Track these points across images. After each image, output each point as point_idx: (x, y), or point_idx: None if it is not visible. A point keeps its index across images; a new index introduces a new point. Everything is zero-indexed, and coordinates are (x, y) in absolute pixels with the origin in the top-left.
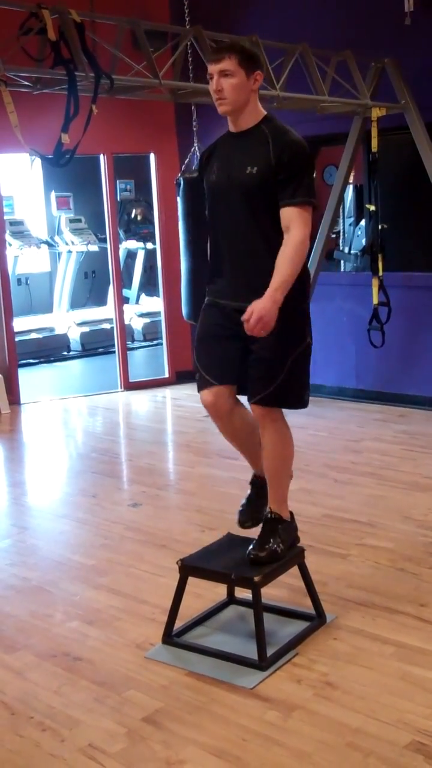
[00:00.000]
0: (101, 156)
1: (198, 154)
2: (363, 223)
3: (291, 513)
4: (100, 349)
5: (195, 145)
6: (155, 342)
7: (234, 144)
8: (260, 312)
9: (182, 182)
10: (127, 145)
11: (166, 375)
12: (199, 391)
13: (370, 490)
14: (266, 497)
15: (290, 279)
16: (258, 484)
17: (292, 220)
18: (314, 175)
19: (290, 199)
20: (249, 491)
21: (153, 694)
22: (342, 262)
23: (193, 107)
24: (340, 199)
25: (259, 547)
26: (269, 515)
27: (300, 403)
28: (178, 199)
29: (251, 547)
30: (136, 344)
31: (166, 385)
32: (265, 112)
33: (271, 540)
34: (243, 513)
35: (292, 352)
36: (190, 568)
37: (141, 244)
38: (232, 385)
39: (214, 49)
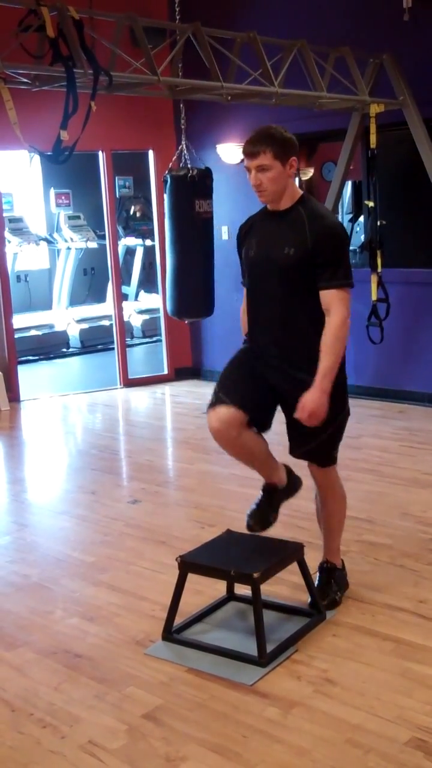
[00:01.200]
0: (100, 153)
1: (186, 151)
2: (362, 219)
3: (342, 560)
4: (99, 346)
5: (183, 142)
6: (154, 339)
7: (272, 223)
8: (311, 405)
9: (169, 179)
10: (125, 141)
11: (165, 372)
12: (206, 411)
13: (369, 486)
14: (276, 504)
15: (335, 365)
16: (269, 491)
17: (332, 303)
18: (349, 256)
19: (329, 281)
20: (260, 496)
21: (153, 691)
22: None
23: (181, 105)
24: (339, 196)
25: (321, 596)
26: (325, 565)
27: (330, 461)
28: (165, 197)
29: (317, 598)
30: (135, 341)
31: (165, 382)
32: (301, 192)
33: (329, 590)
34: (252, 517)
35: (332, 421)
36: (189, 564)
37: (140, 241)
38: (245, 412)
39: (249, 141)
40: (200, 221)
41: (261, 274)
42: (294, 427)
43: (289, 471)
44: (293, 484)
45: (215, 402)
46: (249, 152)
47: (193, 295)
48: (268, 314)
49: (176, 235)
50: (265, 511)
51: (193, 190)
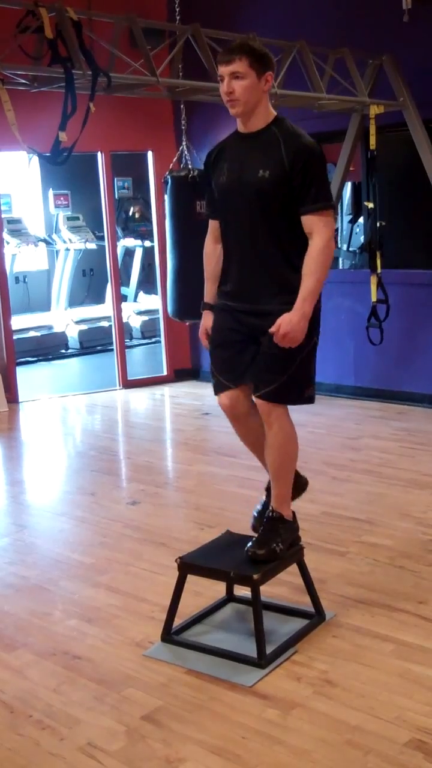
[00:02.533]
0: (99, 154)
1: (186, 152)
2: (361, 220)
3: (293, 513)
4: (98, 347)
5: (184, 143)
6: (153, 340)
7: (244, 145)
8: (288, 326)
9: (170, 180)
10: (124, 142)
11: (165, 373)
12: (215, 394)
13: (368, 487)
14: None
15: (317, 289)
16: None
17: (315, 226)
18: (327, 175)
19: (311, 205)
20: (264, 497)
21: (152, 693)
22: (340, 259)
23: (182, 106)
24: (339, 197)
25: (258, 545)
26: (271, 513)
27: (302, 399)
28: (166, 197)
29: (250, 544)
30: (135, 342)
31: (165, 383)
32: (276, 113)
33: (271, 539)
34: (257, 519)
35: (300, 350)
36: (189, 565)
37: (139, 242)
38: (247, 386)
39: (225, 50)
40: (202, 222)
41: (233, 200)
42: (263, 361)
43: (296, 473)
44: (298, 485)
45: (219, 387)
46: (223, 59)
47: (195, 296)
48: (242, 244)
49: (177, 236)
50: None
51: (194, 191)
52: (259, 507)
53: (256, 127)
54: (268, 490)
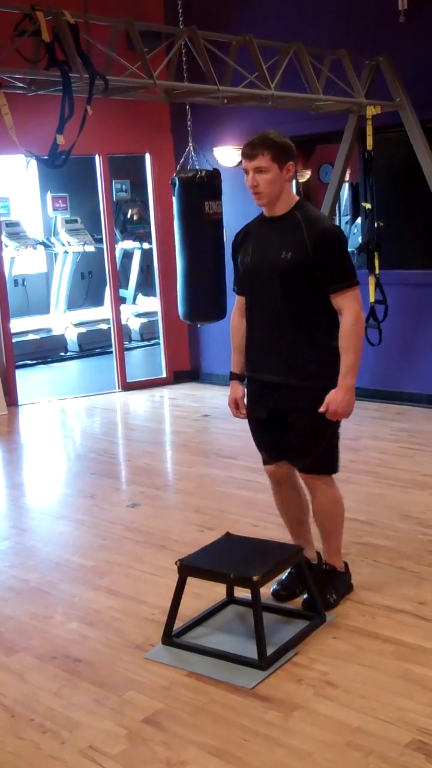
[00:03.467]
0: (97, 156)
1: (193, 153)
2: (359, 221)
3: (345, 563)
4: (97, 350)
5: (190, 144)
6: (152, 342)
7: (268, 229)
8: (335, 405)
9: (177, 182)
10: (122, 145)
11: (164, 375)
12: (265, 465)
13: (368, 488)
14: (302, 580)
15: (356, 361)
16: (299, 565)
17: (343, 303)
18: (349, 253)
19: (338, 284)
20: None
21: (153, 695)
22: None
23: (187, 107)
24: (336, 198)
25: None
26: (325, 566)
27: (333, 470)
28: (174, 200)
29: (306, 596)
30: (134, 344)
31: (164, 385)
32: (297, 198)
33: (326, 591)
34: (282, 586)
35: (328, 425)
36: (189, 568)
37: (137, 244)
38: (285, 462)
39: (248, 144)
40: (210, 222)
41: (258, 280)
42: (295, 440)
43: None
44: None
45: (264, 461)
46: (247, 154)
47: (206, 297)
48: (266, 320)
49: (186, 237)
50: (293, 584)
51: (202, 192)
52: (284, 577)
53: (279, 212)
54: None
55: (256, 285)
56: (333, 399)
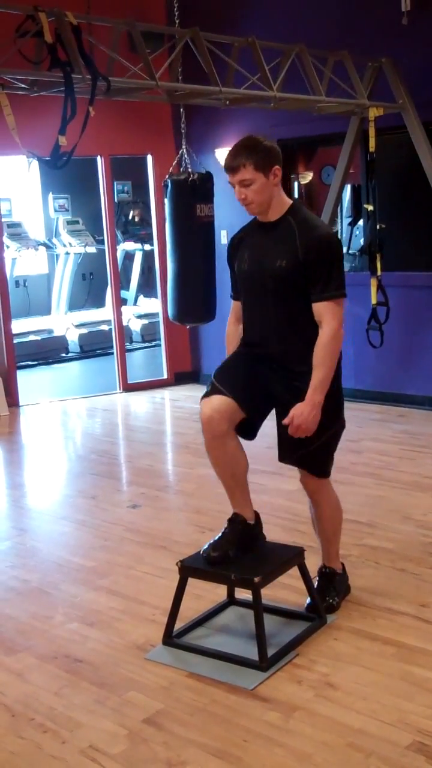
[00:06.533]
0: (98, 158)
1: (186, 155)
2: (361, 222)
3: (342, 564)
4: (98, 351)
5: (183, 146)
6: (153, 343)
7: (263, 234)
8: (300, 419)
9: (170, 184)
10: (124, 146)
11: (165, 376)
12: (201, 399)
13: (369, 490)
14: (236, 540)
15: (327, 378)
16: (235, 522)
17: (323, 315)
18: (343, 265)
19: (320, 294)
20: (224, 527)
21: (153, 696)
22: None
23: (181, 110)
24: (338, 199)
25: (318, 602)
26: (324, 570)
27: (323, 473)
28: (166, 201)
29: (309, 601)
30: (135, 345)
31: (165, 387)
32: (291, 202)
33: (327, 595)
34: (215, 548)
35: (326, 431)
36: (189, 569)
37: (139, 246)
38: (240, 404)
39: (229, 155)
40: (201, 225)
41: (255, 287)
42: (286, 434)
43: (258, 518)
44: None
45: (210, 391)
46: (229, 167)
47: (195, 299)
48: (263, 326)
49: (177, 239)
50: (227, 544)
51: (193, 195)
52: (217, 537)
53: (272, 217)
54: (229, 521)
55: (252, 292)
56: (299, 413)
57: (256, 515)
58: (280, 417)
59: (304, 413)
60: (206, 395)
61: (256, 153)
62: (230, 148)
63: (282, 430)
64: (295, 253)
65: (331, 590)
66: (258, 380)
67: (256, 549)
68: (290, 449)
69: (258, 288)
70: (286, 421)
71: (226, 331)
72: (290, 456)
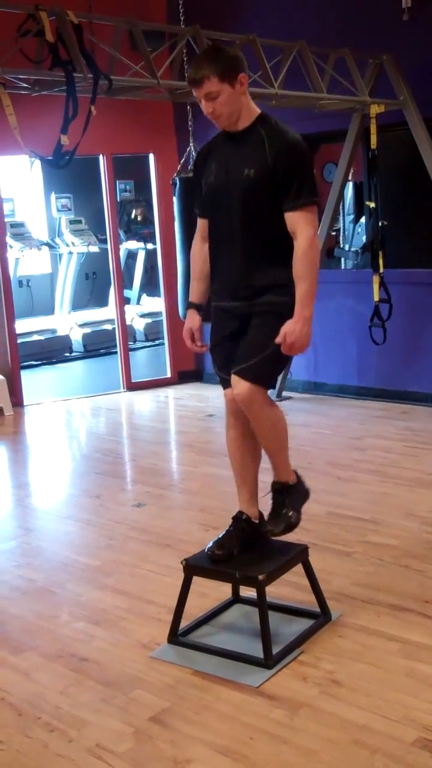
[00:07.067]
0: (101, 157)
1: (194, 153)
2: (363, 220)
3: (296, 472)
4: (102, 350)
5: (191, 144)
6: (157, 342)
7: (230, 145)
8: (292, 336)
9: (178, 182)
10: (126, 145)
11: (168, 375)
12: (224, 389)
13: (373, 487)
14: (248, 539)
15: (312, 289)
16: (239, 520)
17: (297, 225)
18: (314, 171)
19: (293, 202)
20: (229, 526)
21: (159, 694)
22: (342, 259)
23: (188, 107)
24: (340, 197)
25: (273, 522)
26: (275, 486)
27: (266, 382)
28: (175, 199)
29: (265, 523)
30: (138, 344)
31: (169, 385)
32: (259, 111)
33: (283, 511)
34: (219, 546)
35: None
36: (194, 567)
37: (141, 245)
38: None
39: (191, 68)
40: None
41: (221, 200)
42: (243, 345)
43: (262, 517)
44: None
45: (225, 383)
46: (192, 80)
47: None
48: (230, 241)
49: (188, 237)
50: (231, 542)
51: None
52: (221, 535)
53: (241, 126)
54: (234, 518)
55: (218, 205)
56: (290, 330)
57: (261, 515)
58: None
59: (296, 330)
60: (225, 386)
61: (220, 63)
62: (192, 61)
63: (241, 343)
64: (263, 161)
65: (285, 506)
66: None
67: (260, 547)
68: (243, 357)
69: (224, 201)
70: (278, 340)
71: (192, 250)
72: (241, 364)
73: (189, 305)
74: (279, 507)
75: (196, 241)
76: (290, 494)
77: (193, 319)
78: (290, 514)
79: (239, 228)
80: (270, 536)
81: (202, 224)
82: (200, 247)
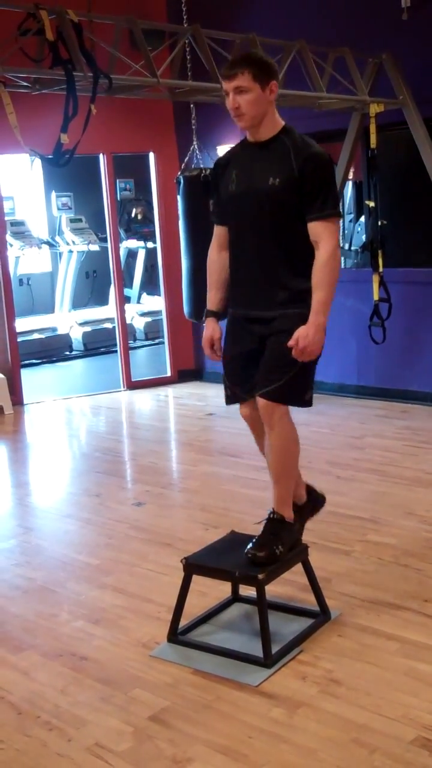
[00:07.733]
0: (101, 156)
1: (197, 152)
2: (363, 219)
3: (296, 512)
4: (102, 349)
5: (194, 143)
6: (157, 341)
7: (254, 154)
8: (305, 341)
9: (182, 181)
10: (126, 144)
11: (168, 374)
12: (227, 404)
13: (372, 486)
14: (287, 537)
15: (328, 299)
16: (276, 520)
17: (321, 234)
18: (336, 185)
19: (318, 212)
20: (264, 524)
21: (159, 693)
22: (342, 258)
23: (191, 105)
24: (340, 196)
25: (258, 547)
26: (272, 515)
27: (301, 402)
28: (179, 198)
29: (250, 545)
30: (138, 343)
31: (169, 384)
32: (284, 122)
33: (272, 541)
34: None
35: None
36: (194, 566)
37: (141, 243)
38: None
39: (227, 64)
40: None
41: (244, 208)
42: (266, 362)
43: (313, 491)
44: (316, 502)
45: (232, 398)
46: (226, 74)
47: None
48: (251, 248)
49: (192, 236)
50: (272, 541)
51: (206, 191)
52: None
53: (265, 136)
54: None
55: (242, 213)
56: (303, 335)
57: (309, 489)
58: (265, 349)
59: (309, 335)
60: (229, 402)
61: (256, 63)
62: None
63: (263, 359)
64: (290, 171)
65: (275, 539)
66: (255, 354)
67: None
68: (267, 377)
69: (247, 209)
70: (290, 343)
71: (208, 259)
72: (267, 385)
73: (207, 313)
74: (269, 536)
75: (213, 249)
76: (283, 531)
77: (212, 328)
78: (278, 550)
79: (262, 235)
80: (249, 558)
81: (219, 232)
82: (217, 256)
